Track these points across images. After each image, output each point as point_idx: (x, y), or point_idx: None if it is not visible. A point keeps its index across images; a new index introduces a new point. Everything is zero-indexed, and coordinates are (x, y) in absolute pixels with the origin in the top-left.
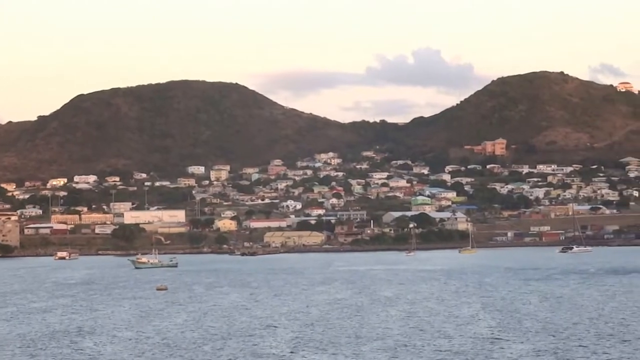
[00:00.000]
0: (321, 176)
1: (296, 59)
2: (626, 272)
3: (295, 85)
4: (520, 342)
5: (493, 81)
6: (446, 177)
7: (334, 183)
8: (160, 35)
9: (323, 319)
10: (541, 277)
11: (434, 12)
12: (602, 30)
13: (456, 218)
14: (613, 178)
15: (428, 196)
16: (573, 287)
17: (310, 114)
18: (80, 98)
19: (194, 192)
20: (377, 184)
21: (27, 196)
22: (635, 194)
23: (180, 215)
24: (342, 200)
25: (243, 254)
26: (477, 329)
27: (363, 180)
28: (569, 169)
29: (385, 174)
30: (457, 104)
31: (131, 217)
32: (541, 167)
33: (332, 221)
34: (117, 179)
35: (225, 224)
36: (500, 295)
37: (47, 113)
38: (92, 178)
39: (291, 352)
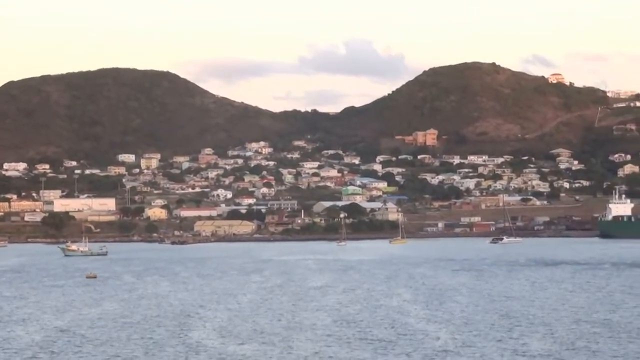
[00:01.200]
0: (252, 165)
1: (228, 48)
2: (555, 263)
3: (226, 74)
4: (450, 333)
5: (424, 71)
6: (377, 167)
7: (264, 172)
8: (91, 22)
9: (253, 309)
10: (471, 267)
11: (365, 1)
12: (534, 21)
13: (387, 208)
14: (544, 169)
15: (359, 186)
16: (503, 277)
17: (242, 102)
18: (9, 85)
19: (124, 180)
20: (308, 173)
21: None
22: (566, 185)
23: (110, 203)
24: (272, 189)
25: (173, 243)
26: (406, 320)
27: (294, 170)
28: (500, 160)
29: (316, 164)
30: (389, 94)
31: (61, 205)
32: (472, 158)
33: (263, 210)
34: (47, 166)
35: (156, 212)
36: (430, 286)
37: None
38: (21, 165)
39: (221, 342)
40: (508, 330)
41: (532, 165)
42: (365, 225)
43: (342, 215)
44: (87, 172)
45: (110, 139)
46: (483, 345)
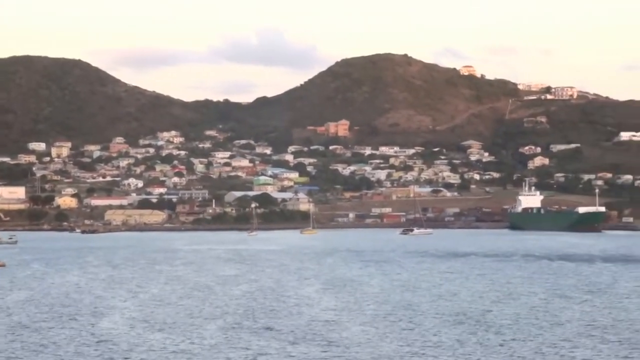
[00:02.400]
0: (163, 155)
1: (139, 37)
2: (465, 255)
3: (138, 63)
4: (360, 324)
5: (337, 62)
6: (289, 157)
7: (176, 162)
8: (2, 10)
9: (163, 298)
10: (381, 258)
11: None
12: (446, 14)
13: (298, 199)
14: (454, 161)
15: (270, 176)
16: (412, 268)
17: (154, 92)
18: None
19: (34, 168)
20: (220, 163)
21: None
22: (476, 177)
23: (20, 191)
24: (184, 179)
25: (83, 232)
26: (316, 310)
27: (205, 160)
28: (411, 151)
29: (228, 154)
30: (301, 85)
31: None
32: (383, 149)
33: (174, 200)
34: None
35: (66, 201)
36: (340, 276)
37: None
38: None
39: (131, 332)
40: (413, 321)
41: (443, 157)
42: (276, 216)
43: (253, 205)
44: None
45: (21, 127)
46: (391, 336)
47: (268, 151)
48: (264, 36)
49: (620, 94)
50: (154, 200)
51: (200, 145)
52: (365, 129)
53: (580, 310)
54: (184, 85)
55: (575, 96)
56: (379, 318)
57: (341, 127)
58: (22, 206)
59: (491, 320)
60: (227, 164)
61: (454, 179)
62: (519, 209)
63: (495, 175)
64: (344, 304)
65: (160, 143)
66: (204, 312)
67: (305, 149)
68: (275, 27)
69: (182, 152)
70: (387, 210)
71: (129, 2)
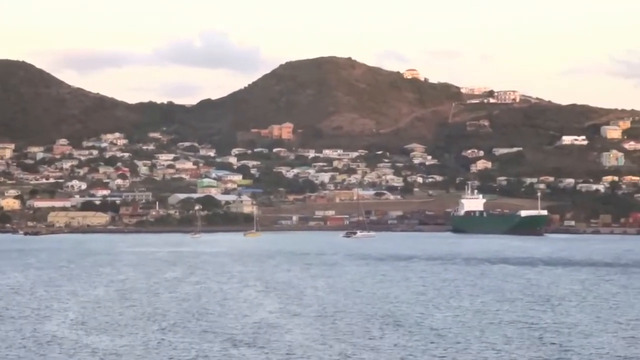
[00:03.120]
0: (107, 156)
1: (83, 38)
2: (407, 258)
3: (82, 65)
4: (301, 326)
5: (281, 65)
6: (233, 160)
7: (119, 164)
8: None
9: (105, 300)
10: (324, 261)
11: None
12: (389, 16)
13: (242, 201)
14: (398, 164)
15: (214, 179)
16: (355, 271)
17: (98, 93)
18: None
19: None
20: (163, 165)
21: None
22: (419, 180)
23: None
24: (127, 181)
25: (26, 234)
26: (258, 313)
27: (149, 162)
28: (355, 154)
29: (171, 156)
30: (245, 87)
31: None
32: (327, 152)
33: (117, 202)
34: None
35: (9, 202)
36: (283, 278)
37: None
38: None
39: (74, 335)
40: (354, 324)
41: (386, 160)
42: (219, 218)
43: (197, 208)
44: None
45: None
46: (331, 339)
47: (212, 153)
48: (208, 38)
49: (562, 98)
50: (97, 202)
51: (144, 147)
52: (309, 132)
53: (522, 313)
54: (128, 87)
55: (517, 100)
56: (320, 321)
57: (285, 130)
58: None
59: (432, 323)
60: (170, 166)
61: (397, 182)
62: (462, 212)
63: (438, 178)
64: (286, 306)
65: (103, 145)
66: (146, 314)
67: (249, 151)
68: (220, 29)
69: (126, 154)
70: (331, 213)
71: (73, 4)
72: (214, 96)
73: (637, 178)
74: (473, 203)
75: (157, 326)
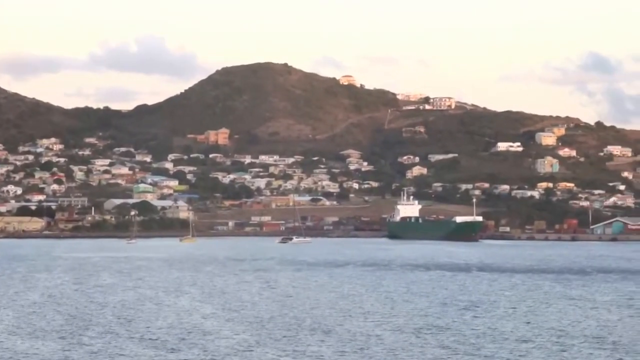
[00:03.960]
0: (43, 162)
1: (19, 43)
2: (343, 264)
3: (18, 70)
4: (237, 333)
5: (217, 71)
6: (169, 165)
7: (55, 169)
8: None
9: (41, 306)
10: (260, 267)
11: None
12: (325, 23)
13: (177, 207)
14: (334, 170)
15: (150, 184)
16: (290, 277)
17: (33, 98)
18: None
19: None
20: (99, 170)
21: None
22: (355, 186)
23: None
24: (63, 186)
25: None
26: (192, 318)
27: (85, 167)
28: (291, 160)
29: (107, 161)
30: (181, 93)
31: None
32: (263, 158)
33: (53, 207)
34: None
35: None
36: (218, 284)
37: None
38: None
39: (6, 340)
40: (290, 330)
41: (322, 166)
42: (155, 223)
43: (132, 213)
44: None
45: None
46: (266, 345)
47: (148, 159)
48: (144, 44)
49: (497, 105)
50: (33, 208)
51: (80, 153)
52: (245, 138)
53: (459, 319)
54: (64, 92)
55: (453, 106)
56: (255, 327)
57: (221, 136)
58: None
59: (368, 329)
60: (106, 172)
61: (333, 187)
62: (397, 218)
63: (374, 184)
64: (221, 312)
65: (39, 150)
66: (81, 319)
67: (185, 157)
68: (156, 34)
69: (62, 160)
70: (267, 218)
71: (8, 9)
72: (150, 102)
73: (571, 184)
74: (409, 209)
75: (92, 332)
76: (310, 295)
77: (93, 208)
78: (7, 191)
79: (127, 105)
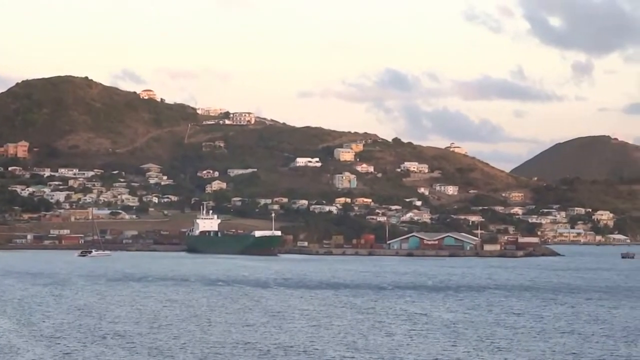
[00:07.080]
0: None
1: None
2: (140, 278)
3: None
4: (34, 347)
5: (17, 83)
6: None
7: None
8: None
9: None
10: (57, 280)
11: None
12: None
13: None
14: (133, 184)
15: None
16: (88, 291)
17: None
18: None
19: None
20: None
21: None
22: (155, 200)
23: None
24: None
25: None
26: None
27: None
28: (91, 173)
29: None
30: None
31: None
32: (63, 171)
33: None
34: None
35: None
36: (13, 297)
37: None
38: None
39: None
40: (84, 343)
41: (122, 180)
42: None
43: None
44: None
45: None
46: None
47: None
48: None
49: (296, 121)
50: None
51: None
52: (45, 151)
53: (260, 334)
54: None
55: (252, 122)
56: (53, 341)
57: (20, 148)
58: None
59: (153, 342)
60: None
61: (133, 201)
62: (197, 232)
63: (174, 198)
64: (17, 326)
65: None
66: None
67: None
68: None
69: None
70: (66, 232)
71: None
72: None
73: (369, 200)
74: (208, 223)
75: None
76: (103, 309)
77: None
78: None
79: None
